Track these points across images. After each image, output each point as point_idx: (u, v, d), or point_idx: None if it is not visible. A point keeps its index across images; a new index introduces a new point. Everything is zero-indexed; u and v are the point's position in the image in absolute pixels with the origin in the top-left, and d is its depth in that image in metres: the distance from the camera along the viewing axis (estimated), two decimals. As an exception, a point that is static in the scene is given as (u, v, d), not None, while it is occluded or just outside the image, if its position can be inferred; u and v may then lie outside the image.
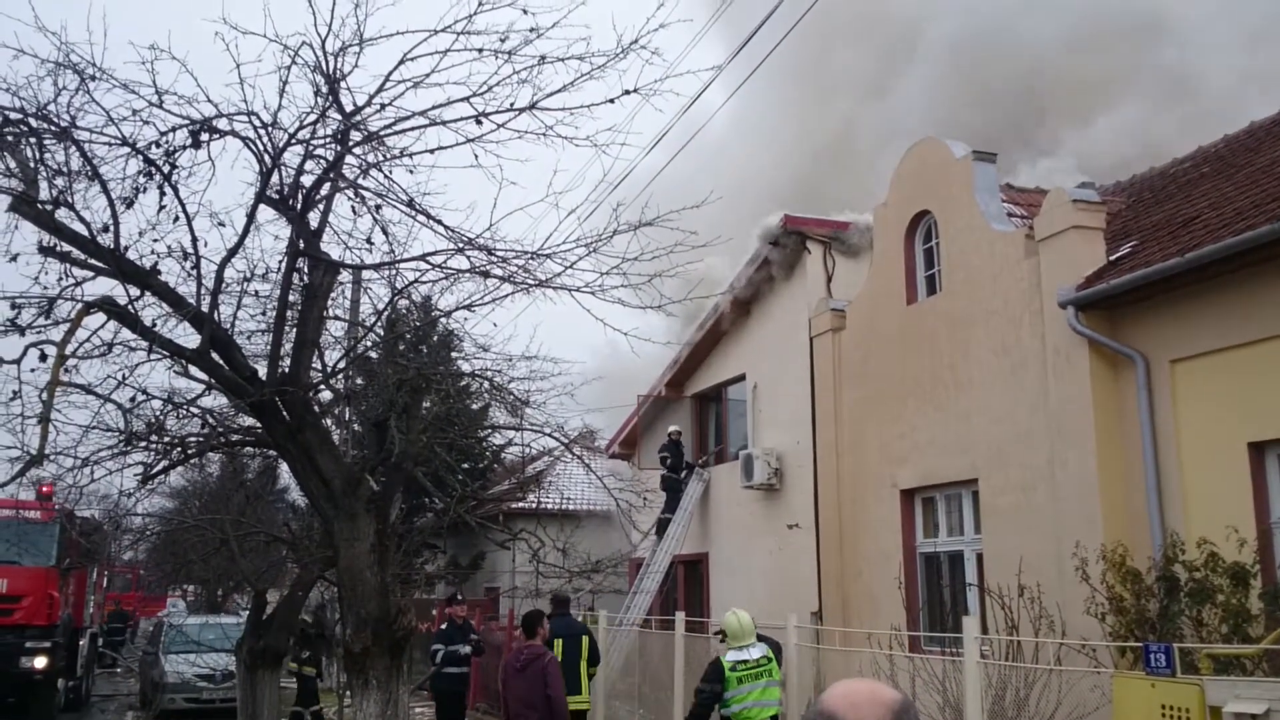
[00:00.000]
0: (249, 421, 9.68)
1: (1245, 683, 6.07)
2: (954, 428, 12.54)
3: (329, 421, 13.57)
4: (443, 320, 10.95)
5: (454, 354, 12.37)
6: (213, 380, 7.87)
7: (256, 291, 8.19)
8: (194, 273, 7.20)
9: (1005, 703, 8.87)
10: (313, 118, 7.04)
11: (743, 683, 9.37)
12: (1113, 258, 10.77)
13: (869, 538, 14.09)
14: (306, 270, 7.92)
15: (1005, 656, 9.33)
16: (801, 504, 15.82)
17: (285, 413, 7.64)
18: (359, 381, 12.49)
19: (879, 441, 13.98)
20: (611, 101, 6.78)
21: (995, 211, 12.28)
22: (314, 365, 9.06)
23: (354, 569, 7.86)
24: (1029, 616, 10.05)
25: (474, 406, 15.06)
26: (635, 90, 6.78)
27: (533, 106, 6.89)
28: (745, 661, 9.43)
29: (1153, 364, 10.07)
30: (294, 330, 7.98)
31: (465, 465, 22.08)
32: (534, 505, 22.80)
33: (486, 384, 10.76)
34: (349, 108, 7.15)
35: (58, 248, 7.01)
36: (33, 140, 6.87)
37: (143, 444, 8.60)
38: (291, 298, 8.01)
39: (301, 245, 7.62)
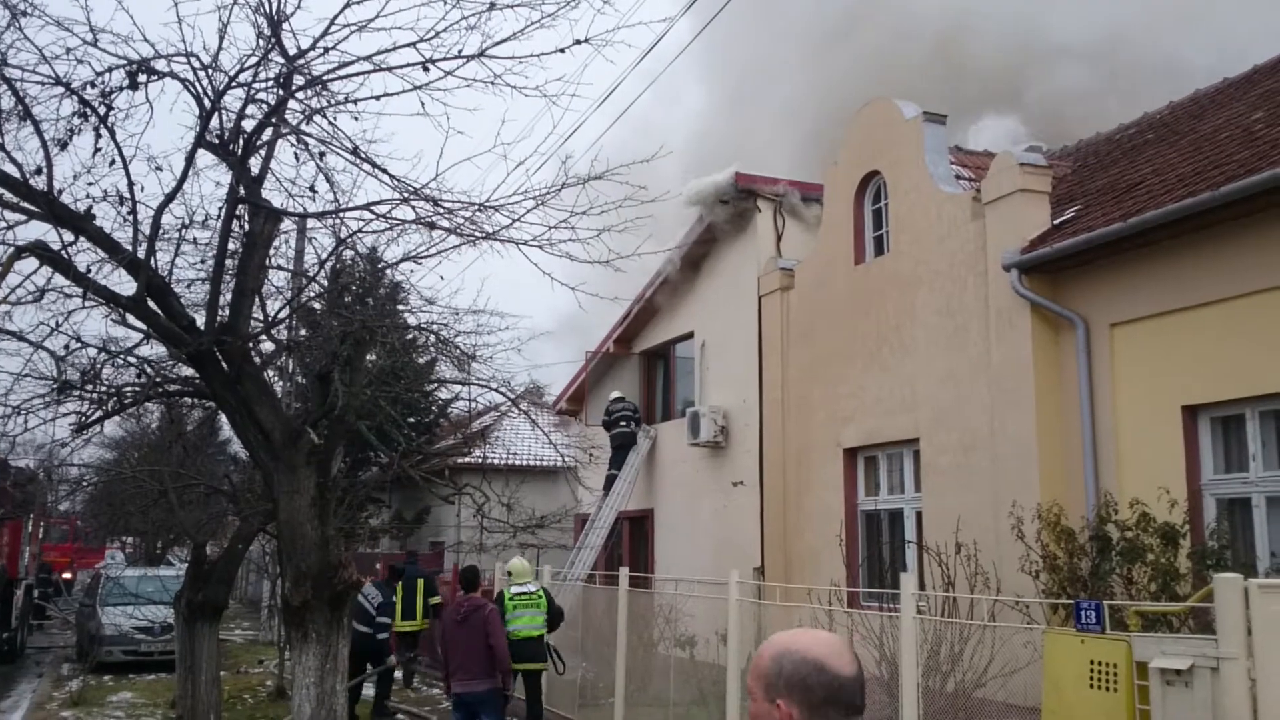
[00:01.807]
0: (187, 371, 9.50)
1: (1171, 639, 6.22)
2: (898, 388, 12.68)
3: (271, 372, 13.41)
4: (389, 272, 10.80)
5: (400, 306, 12.23)
6: (149, 329, 7.70)
7: (195, 239, 8.01)
8: (130, 218, 7.02)
9: (940, 657, 9.04)
10: (254, 60, 6.87)
11: (518, 609, 12.30)
12: (1057, 221, 10.89)
13: (812, 496, 14.25)
14: (247, 218, 7.76)
15: (941, 613, 9.49)
16: (747, 462, 15.94)
17: (224, 363, 7.51)
18: (302, 332, 12.31)
19: (824, 401, 14.10)
20: (562, 51, 6.67)
21: (943, 173, 12.35)
22: (255, 315, 8.90)
23: (294, 522, 7.78)
24: (965, 574, 10.25)
25: (420, 360, 14.93)
26: (587, 40, 6.67)
27: (481, 54, 6.76)
28: (523, 594, 12.47)
29: (1093, 327, 10.23)
30: (234, 279, 7.82)
31: (411, 419, 21.95)
32: (480, 460, 22.73)
33: (433, 338, 10.65)
34: (292, 51, 6.98)
35: (-13, 190, 6.79)
36: (-41, 77, 6.62)
37: (77, 393, 8.41)
38: (231, 246, 7.85)
39: (242, 192, 7.45)
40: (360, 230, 7.88)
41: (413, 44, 6.52)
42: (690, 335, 18.22)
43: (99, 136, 6.80)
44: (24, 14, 6.50)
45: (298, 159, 7.65)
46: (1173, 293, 9.54)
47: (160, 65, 6.72)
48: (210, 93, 6.86)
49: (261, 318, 9.36)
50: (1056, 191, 11.56)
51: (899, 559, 12.73)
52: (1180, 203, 9.06)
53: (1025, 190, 10.94)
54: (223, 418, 15.92)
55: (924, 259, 12.29)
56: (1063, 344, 10.55)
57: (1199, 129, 11.67)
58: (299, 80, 7.03)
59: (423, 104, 6.74)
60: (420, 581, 17.32)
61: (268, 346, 10.88)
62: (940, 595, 9.87)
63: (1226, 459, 9.33)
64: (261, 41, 6.79)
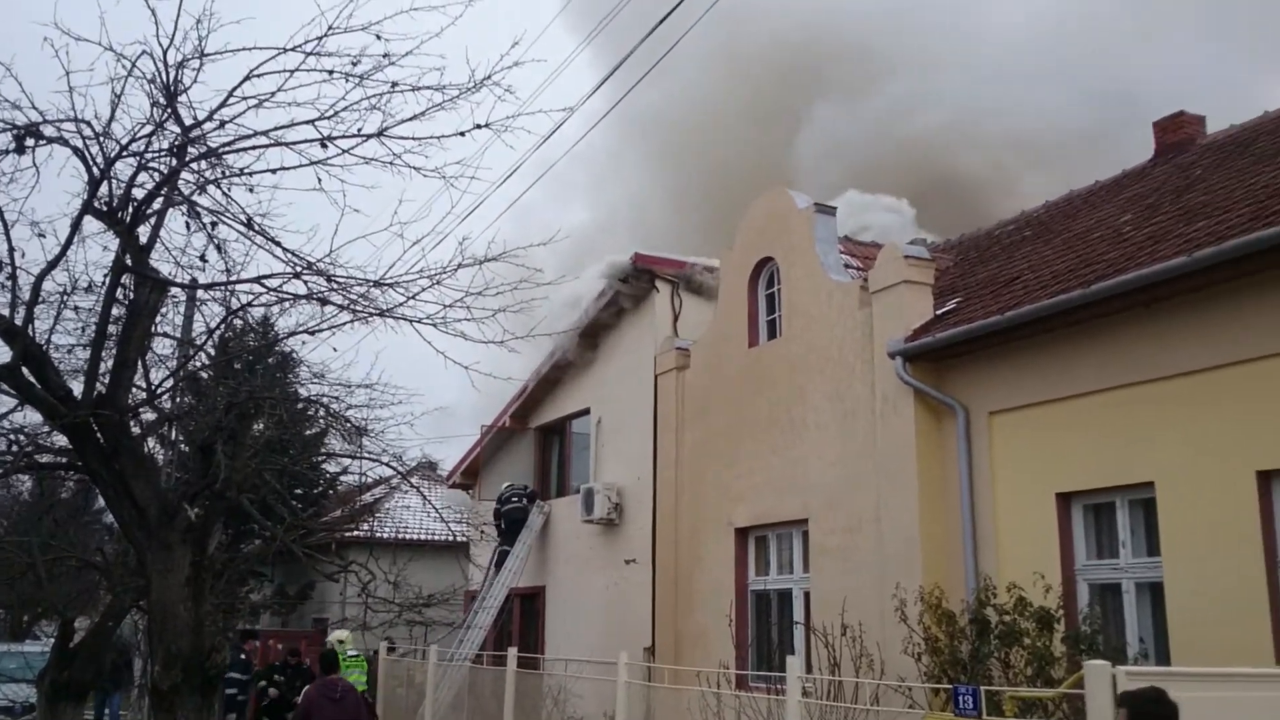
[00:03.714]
0: (63, 440, 9.18)
1: (1043, 724, 6.39)
2: (788, 469, 12.87)
3: (153, 441, 12.98)
4: (280, 343, 10.65)
5: (290, 378, 12.02)
6: (23, 398, 7.44)
7: (77, 307, 7.81)
8: (9, 284, 6.82)
9: (826, 741, 9.10)
10: (148, 130, 6.79)
11: (349, 668, 14.60)
12: (939, 312, 11.30)
13: (703, 574, 14.29)
14: (132, 287, 7.60)
15: (827, 695, 9.58)
16: (640, 540, 15.92)
17: (100, 435, 7.28)
18: (189, 400, 11.99)
19: (717, 480, 14.22)
20: (463, 134, 6.77)
21: (833, 262, 12.73)
22: (138, 383, 8.67)
23: (166, 603, 7.53)
24: (851, 655, 10.37)
25: (309, 432, 14.65)
26: (487, 125, 6.78)
27: (381, 133, 6.82)
28: (354, 656, 16.05)
29: (973, 415, 10.59)
30: (115, 349, 7.63)
31: (299, 491, 21.41)
32: (368, 535, 22.24)
33: (322, 410, 10.50)
34: (188, 121, 6.93)
35: None
36: None
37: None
38: (116, 313, 7.67)
39: (129, 260, 7.31)
40: (250, 304, 7.79)
41: (311, 121, 6.55)
42: (586, 411, 18.24)
43: (-22, 200, 6.62)
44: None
45: (189, 228, 7.56)
46: (1047, 384, 9.95)
47: (49, 131, 6.60)
48: (101, 160, 6.76)
49: (145, 386, 9.12)
50: (939, 283, 12.01)
51: (787, 640, 12.81)
52: (1053, 299, 9.50)
53: (909, 281, 11.34)
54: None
55: (814, 344, 12.59)
56: (945, 430, 10.88)
57: (1072, 228, 12.30)
58: (194, 151, 6.97)
59: (319, 180, 6.75)
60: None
61: (150, 415, 10.56)
62: (826, 678, 9.96)
63: (1098, 545, 9.68)
64: (156, 111, 6.74)
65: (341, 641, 15.86)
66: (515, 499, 18.65)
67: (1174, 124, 13.79)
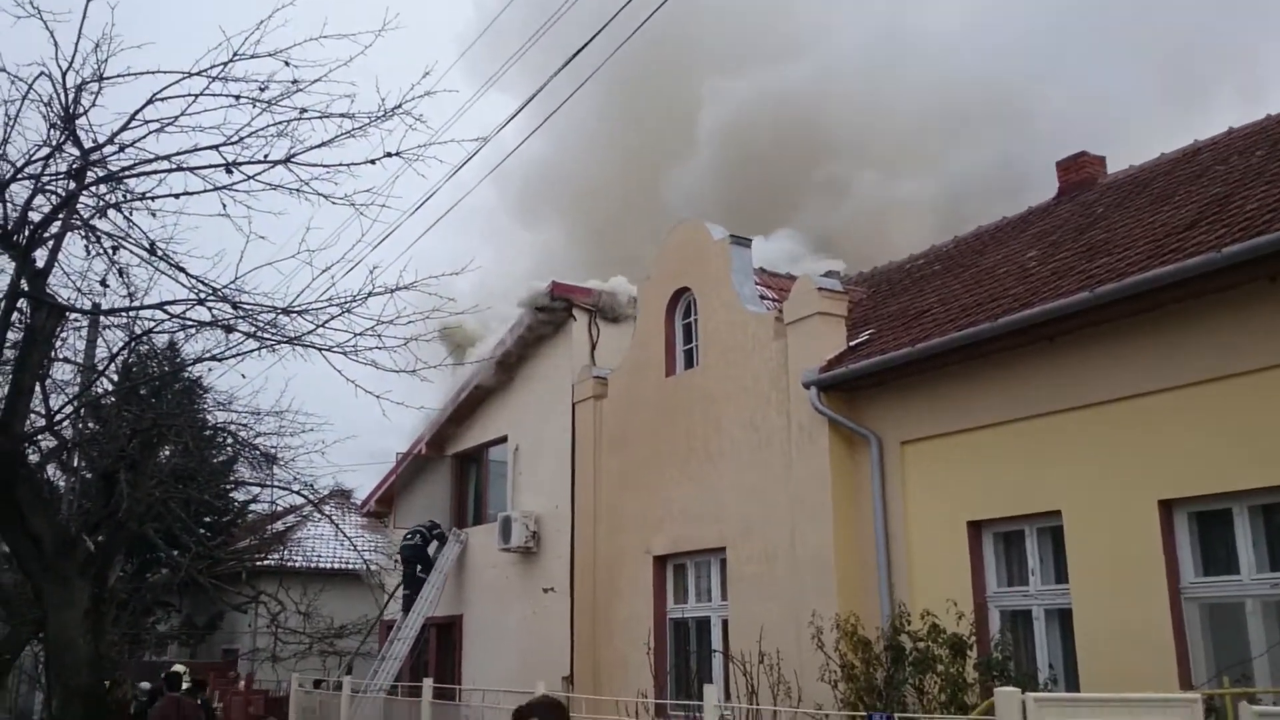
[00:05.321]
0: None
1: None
2: (706, 498, 12.90)
3: (53, 468, 12.54)
4: (186, 369, 10.39)
5: (197, 405, 11.72)
6: (-91, 428, 7.12)
7: (-32, 333, 7.50)
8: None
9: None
10: (45, 152, 6.58)
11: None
12: (852, 343, 11.46)
13: (622, 603, 14.23)
14: (29, 312, 7.35)
15: (743, 724, 9.57)
16: (558, 568, 15.80)
17: (-8, 466, 7.00)
18: (91, 426, 11.62)
19: (635, 508, 14.20)
20: (373, 162, 6.69)
21: (749, 293, 12.84)
22: (37, 411, 8.38)
23: (65, 638, 7.24)
24: (769, 683, 10.38)
25: (217, 459, 14.30)
26: (399, 153, 6.71)
27: (289, 159, 6.71)
28: (190, 686, 14.85)
29: (885, 444, 10.74)
30: (10, 376, 7.36)
31: (206, 520, 20.85)
32: (279, 564, 21.72)
33: (230, 438, 10.26)
34: (88, 144, 6.74)
35: None
36: None
37: None
38: (12, 338, 7.41)
39: (24, 285, 7.06)
40: (152, 330, 7.58)
41: (216, 146, 6.40)
42: (504, 439, 18.09)
43: None
44: None
45: (89, 252, 7.34)
46: (957, 414, 10.14)
47: (-62, 151, 6.36)
48: (-6, 182, 6.53)
49: (44, 413, 8.83)
50: (852, 315, 12.17)
51: (705, 668, 12.79)
52: (962, 331, 9.70)
53: (823, 313, 11.49)
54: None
55: (731, 374, 12.67)
56: (858, 459, 11.01)
57: (980, 263, 12.59)
58: (93, 174, 6.78)
59: (224, 205, 6.60)
60: None
61: (50, 442, 10.21)
62: (744, 706, 9.95)
63: (1009, 573, 9.86)
64: (54, 133, 6.54)
65: (179, 674, 15.96)
66: (409, 536, 18.37)
67: (1076, 164, 14.25)
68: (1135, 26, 21.96)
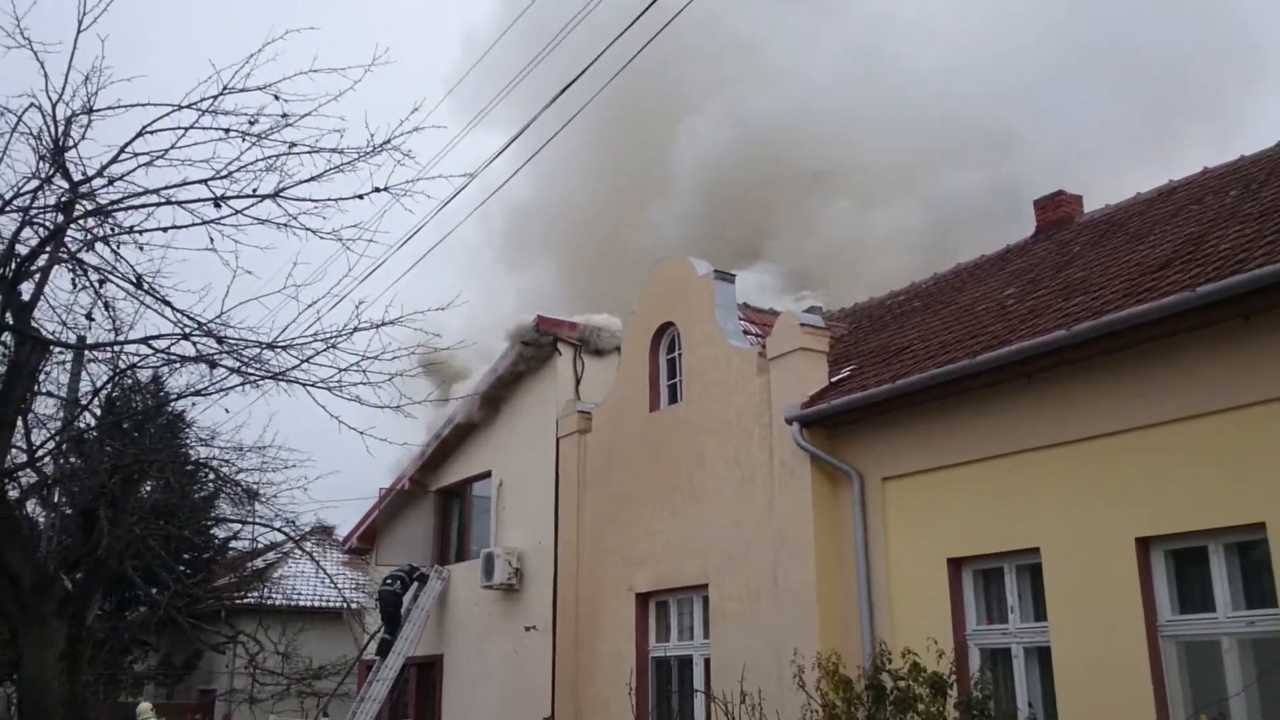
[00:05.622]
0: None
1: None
2: (688, 534, 12.90)
3: (33, 504, 12.44)
4: (170, 404, 10.37)
5: (180, 440, 11.69)
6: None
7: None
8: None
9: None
10: (34, 184, 6.62)
11: None
12: (834, 379, 11.54)
13: (604, 641, 14.16)
14: (12, 346, 7.35)
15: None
16: (540, 605, 15.72)
17: (-29, 502, 6.97)
18: (73, 461, 11.57)
19: (618, 544, 14.17)
20: (361, 197, 6.75)
21: (732, 329, 12.94)
22: (18, 445, 8.35)
23: (39, 679, 7.18)
24: (750, 722, 10.33)
25: (199, 495, 14.22)
26: (386, 189, 6.78)
27: (278, 194, 6.76)
28: None
29: (867, 481, 10.79)
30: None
31: (186, 557, 20.68)
32: (258, 602, 21.52)
33: (212, 473, 10.23)
34: (76, 177, 6.78)
35: None
36: None
37: None
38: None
39: (9, 318, 7.07)
40: (136, 365, 7.58)
41: (205, 180, 6.46)
42: (488, 474, 18.04)
43: None
44: None
45: (75, 285, 7.36)
46: (936, 451, 10.21)
47: (-75, 184, 6.38)
48: (-20, 215, 6.56)
49: (26, 447, 8.80)
50: (834, 351, 12.27)
51: (687, 708, 12.73)
52: (942, 368, 9.80)
53: (805, 349, 11.58)
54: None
55: (714, 409, 12.73)
56: (840, 496, 11.05)
57: (959, 300, 12.72)
58: (82, 207, 6.81)
59: (212, 239, 6.65)
60: None
61: (32, 478, 10.16)
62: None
63: (989, 610, 9.89)
64: (43, 166, 6.58)
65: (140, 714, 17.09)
66: (389, 581, 18.17)
67: (1053, 202, 14.46)
68: (1111, 66, 22.39)
